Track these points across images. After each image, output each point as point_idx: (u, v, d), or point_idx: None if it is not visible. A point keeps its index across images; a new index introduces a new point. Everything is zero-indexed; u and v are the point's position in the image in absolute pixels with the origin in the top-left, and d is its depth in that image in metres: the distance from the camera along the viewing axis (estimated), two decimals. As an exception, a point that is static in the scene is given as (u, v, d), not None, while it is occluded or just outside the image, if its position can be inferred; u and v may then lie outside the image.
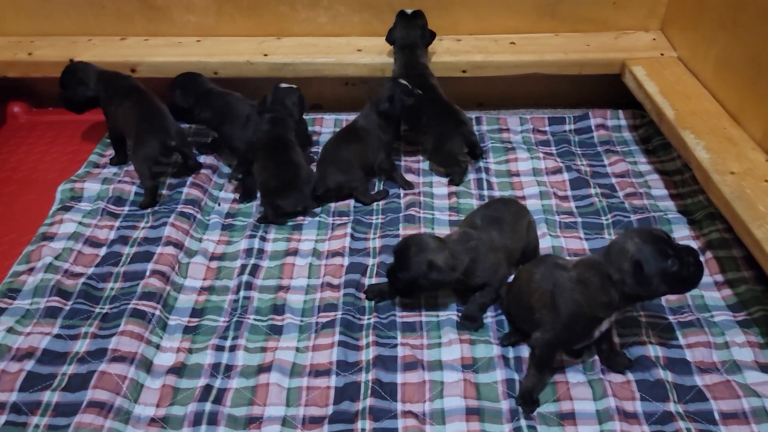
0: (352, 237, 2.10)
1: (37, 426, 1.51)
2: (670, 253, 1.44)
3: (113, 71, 2.40)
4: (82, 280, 1.90)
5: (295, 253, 2.05)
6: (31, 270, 1.93)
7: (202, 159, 2.44)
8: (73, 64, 2.38)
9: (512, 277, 1.81)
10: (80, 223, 2.11)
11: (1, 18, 2.79)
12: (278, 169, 2.16)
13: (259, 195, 2.24)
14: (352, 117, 2.78)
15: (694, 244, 2.02)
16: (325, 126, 2.74)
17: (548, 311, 1.54)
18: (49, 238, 2.05)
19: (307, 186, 2.17)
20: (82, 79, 2.36)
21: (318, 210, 2.23)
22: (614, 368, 1.63)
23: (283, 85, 2.29)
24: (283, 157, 2.18)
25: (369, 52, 2.68)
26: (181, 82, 2.38)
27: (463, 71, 2.66)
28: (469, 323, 1.77)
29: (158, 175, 2.22)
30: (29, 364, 1.64)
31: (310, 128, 2.71)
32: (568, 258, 1.87)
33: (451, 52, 2.68)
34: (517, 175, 2.38)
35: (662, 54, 2.62)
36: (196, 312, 1.86)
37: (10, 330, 1.72)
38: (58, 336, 1.73)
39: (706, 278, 1.90)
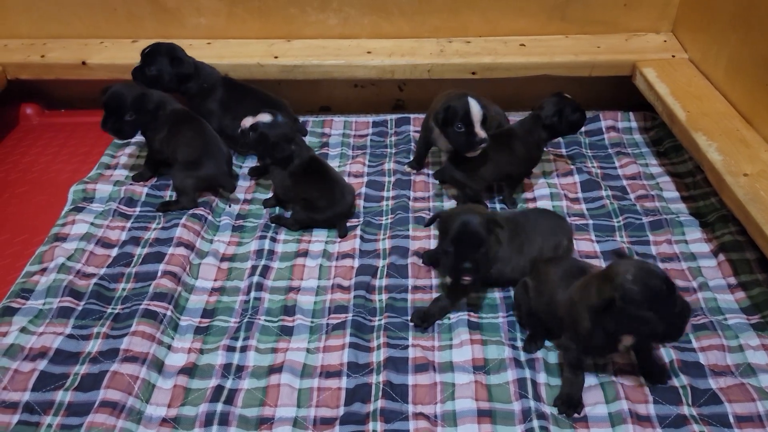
0: (362, 239, 2.10)
1: (49, 425, 1.51)
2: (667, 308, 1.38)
3: (161, 95, 2.31)
4: (95, 280, 1.91)
5: (305, 254, 2.05)
6: (43, 270, 1.94)
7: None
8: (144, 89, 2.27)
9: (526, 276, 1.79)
10: (92, 224, 2.12)
11: (14, 21, 2.82)
12: (324, 187, 2.12)
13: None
14: (361, 119, 2.80)
15: (707, 247, 2.02)
16: (335, 128, 2.74)
17: (569, 318, 1.53)
18: (61, 238, 2.06)
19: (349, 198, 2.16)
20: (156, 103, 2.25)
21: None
22: (652, 380, 1.58)
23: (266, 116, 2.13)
24: (328, 176, 2.16)
25: (378, 54, 2.69)
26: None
27: (473, 73, 2.66)
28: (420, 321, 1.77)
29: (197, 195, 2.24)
30: (42, 364, 1.65)
31: (319, 130, 2.72)
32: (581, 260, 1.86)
33: (460, 54, 2.68)
34: (528, 177, 2.37)
35: (673, 56, 2.61)
36: (207, 313, 1.86)
37: (23, 330, 1.73)
38: (70, 336, 1.74)
39: (719, 280, 1.89)
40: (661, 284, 1.36)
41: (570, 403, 1.53)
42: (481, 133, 2.00)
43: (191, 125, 2.24)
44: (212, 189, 2.26)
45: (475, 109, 2.00)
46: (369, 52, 2.70)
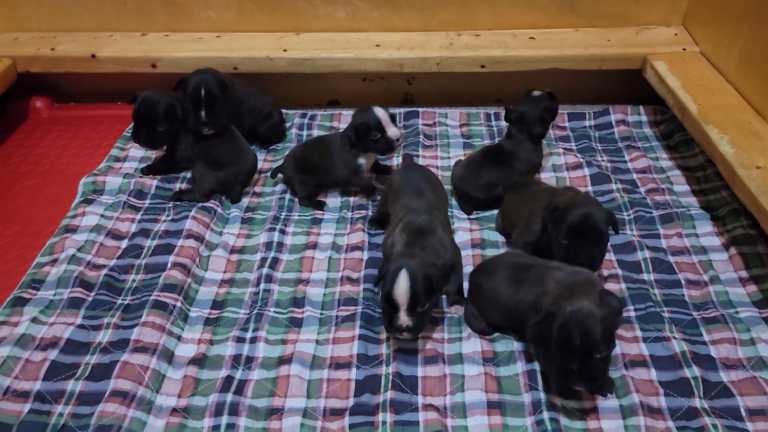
0: (371, 232, 2.10)
1: (60, 414, 1.52)
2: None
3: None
4: (105, 271, 1.92)
5: (314, 246, 2.05)
6: (54, 261, 1.95)
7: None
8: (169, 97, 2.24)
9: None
10: (102, 215, 2.13)
11: (25, 14, 2.83)
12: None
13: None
14: (370, 112, 2.79)
15: (718, 240, 2.00)
16: (344, 122, 2.73)
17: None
18: (71, 230, 2.07)
19: None
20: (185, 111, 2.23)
21: (338, 204, 2.24)
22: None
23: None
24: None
25: (387, 48, 2.68)
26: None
27: (482, 66, 2.65)
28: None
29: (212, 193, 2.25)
30: (53, 354, 1.66)
31: (328, 124, 2.71)
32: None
33: (469, 47, 2.67)
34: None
35: (684, 49, 2.59)
36: (217, 304, 1.87)
37: (34, 320, 1.74)
38: (81, 326, 1.74)
39: (731, 274, 1.88)
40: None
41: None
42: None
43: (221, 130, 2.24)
44: (225, 192, 2.26)
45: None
46: (378, 46, 2.69)
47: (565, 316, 1.39)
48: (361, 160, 2.17)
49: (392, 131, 2.08)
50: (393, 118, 2.10)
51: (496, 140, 2.48)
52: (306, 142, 2.38)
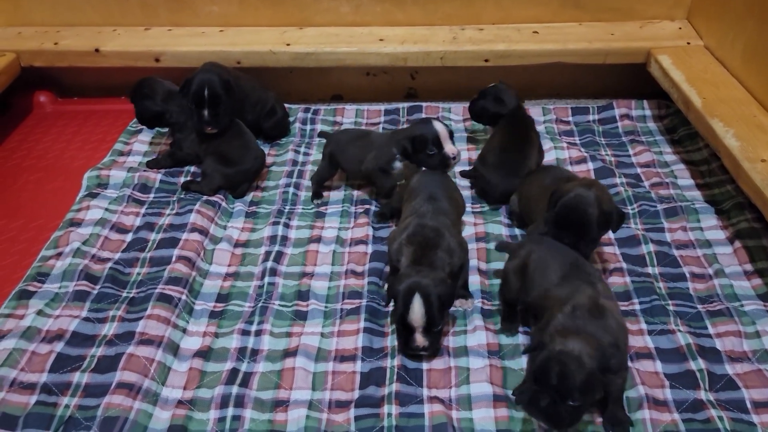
0: (375, 226, 2.10)
1: (67, 406, 1.52)
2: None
3: None
4: (109, 264, 1.92)
5: (318, 240, 2.05)
6: (59, 255, 1.95)
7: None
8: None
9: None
10: (107, 209, 2.13)
11: (28, 8, 2.82)
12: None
13: None
14: (373, 107, 2.80)
15: (722, 234, 2.00)
16: (347, 116, 2.74)
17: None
18: (76, 223, 2.07)
19: None
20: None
21: (341, 197, 2.24)
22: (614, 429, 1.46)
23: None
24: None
25: (391, 42, 2.68)
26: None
27: (486, 60, 2.65)
28: None
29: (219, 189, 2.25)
30: (59, 346, 1.66)
31: (331, 118, 2.71)
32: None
33: (473, 42, 2.67)
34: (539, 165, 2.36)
35: (688, 43, 2.59)
36: (222, 297, 1.87)
37: (39, 312, 1.74)
38: (86, 319, 1.75)
39: (735, 267, 1.88)
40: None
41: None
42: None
43: (229, 127, 2.24)
44: (231, 189, 2.27)
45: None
46: (381, 40, 2.69)
47: (551, 352, 1.31)
48: (398, 164, 2.12)
49: (449, 148, 1.99)
50: (451, 134, 2.03)
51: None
52: (350, 130, 2.38)
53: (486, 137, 2.52)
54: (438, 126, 2.00)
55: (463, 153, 2.45)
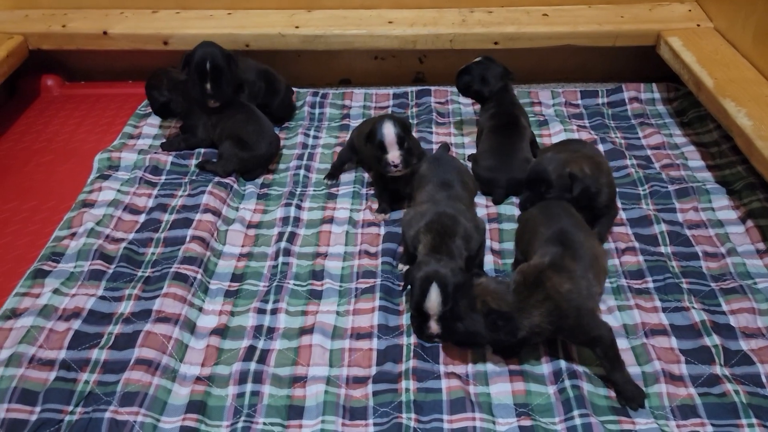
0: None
1: (86, 382, 1.53)
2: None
3: None
4: (124, 244, 1.92)
5: (330, 221, 2.06)
6: (72, 235, 1.95)
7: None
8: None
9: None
10: (119, 190, 2.13)
11: (34, -10, 2.81)
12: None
13: None
14: (382, 91, 2.79)
15: (734, 214, 2.01)
16: (355, 100, 2.73)
17: None
18: (89, 204, 2.08)
19: None
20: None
21: (351, 178, 2.24)
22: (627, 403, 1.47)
23: None
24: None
25: (400, 24, 2.67)
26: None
27: (495, 43, 2.65)
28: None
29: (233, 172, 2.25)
30: (76, 324, 1.67)
31: (339, 102, 2.71)
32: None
33: (482, 24, 2.66)
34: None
35: (698, 25, 2.59)
36: (236, 277, 1.87)
37: (56, 291, 1.75)
38: (102, 297, 1.75)
39: (748, 246, 1.89)
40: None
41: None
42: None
43: (241, 110, 2.25)
44: (245, 173, 2.26)
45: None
46: (390, 22, 2.69)
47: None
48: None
49: (392, 155, 1.89)
50: (403, 139, 1.90)
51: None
52: (370, 120, 2.34)
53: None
54: (387, 129, 1.90)
55: (473, 136, 2.45)
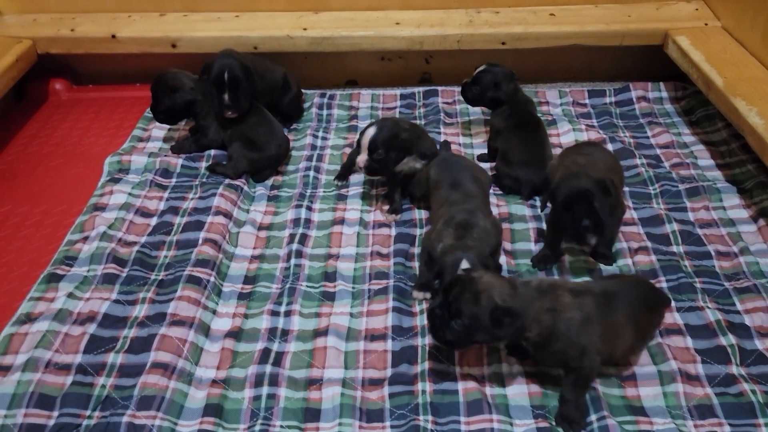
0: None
1: (103, 386, 1.53)
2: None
3: None
4: (136, 248, 1.93)
5: (341, 222, 2.06)
6: (85, 239, 1.95)
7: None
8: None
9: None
10: (130, 194, 2.14)
11: (42, -6, 2.81)
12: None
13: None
14: (389, 92, 2.79)
15: (746, 213, 2.01)
16: (363, 101, 2.74)
17: None
18: (100, 208, 2.08)
19: None
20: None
21: (360, 179, 2.24)
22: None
23: None
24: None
25: (407, 25, 2.67)
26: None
27: (503, 43, 2.65)
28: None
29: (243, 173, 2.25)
30: (91, 328, 1.67)
31: (347, 103, 2.71)
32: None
33: (489, 24, 2.66)
34: (561, 147, 2.36)
35: (706, 24, 2.58)
36: (249, 279, 1.88)
37: (70, 295, 1.75)
38: (116, 301, 1.76)
39: (761, 245, 1.89)
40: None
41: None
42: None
43: (254, 112, 2.25)
44: (255, 174, 2.27)
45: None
46: (398, 24, 2.69)
47: None
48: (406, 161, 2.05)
49: (360, 158, 1.99)
50: (376, 146, 1.95)
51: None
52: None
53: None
54: (368, 131, 1.98)
55: (482, 136, 2.45)
